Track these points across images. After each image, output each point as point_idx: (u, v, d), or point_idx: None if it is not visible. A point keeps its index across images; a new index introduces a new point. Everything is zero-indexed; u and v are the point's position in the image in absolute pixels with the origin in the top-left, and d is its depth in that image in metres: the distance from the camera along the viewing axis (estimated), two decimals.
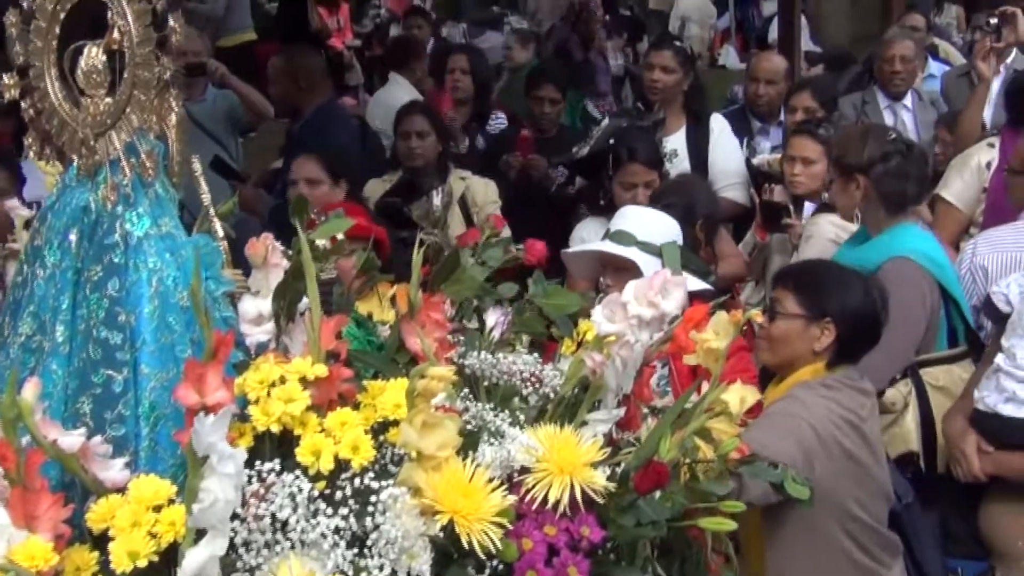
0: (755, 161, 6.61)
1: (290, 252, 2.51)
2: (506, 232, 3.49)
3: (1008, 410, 4.06)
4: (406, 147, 6.59)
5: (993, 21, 6.69)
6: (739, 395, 2.72)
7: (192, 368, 2.24)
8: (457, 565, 2.28)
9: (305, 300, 2.46)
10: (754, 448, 2.74)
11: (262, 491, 2.16)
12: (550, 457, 2.42)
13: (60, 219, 2.50)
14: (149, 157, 2.44)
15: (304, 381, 2.30)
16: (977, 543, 4.26)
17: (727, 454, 2.61)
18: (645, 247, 4.35)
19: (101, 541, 2.19)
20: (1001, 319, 4.22)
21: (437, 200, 6.34)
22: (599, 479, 2.42)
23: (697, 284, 4.33)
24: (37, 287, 2.50)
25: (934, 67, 8.87)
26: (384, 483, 2.21)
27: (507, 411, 2.57)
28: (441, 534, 2.25)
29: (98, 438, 2.32)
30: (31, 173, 5.11)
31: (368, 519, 2.18)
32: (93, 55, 2.46)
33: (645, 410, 2.89)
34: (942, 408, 4.41)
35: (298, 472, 2.20)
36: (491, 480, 2.33)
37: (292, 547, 2.15)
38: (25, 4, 2.54)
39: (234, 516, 2.12)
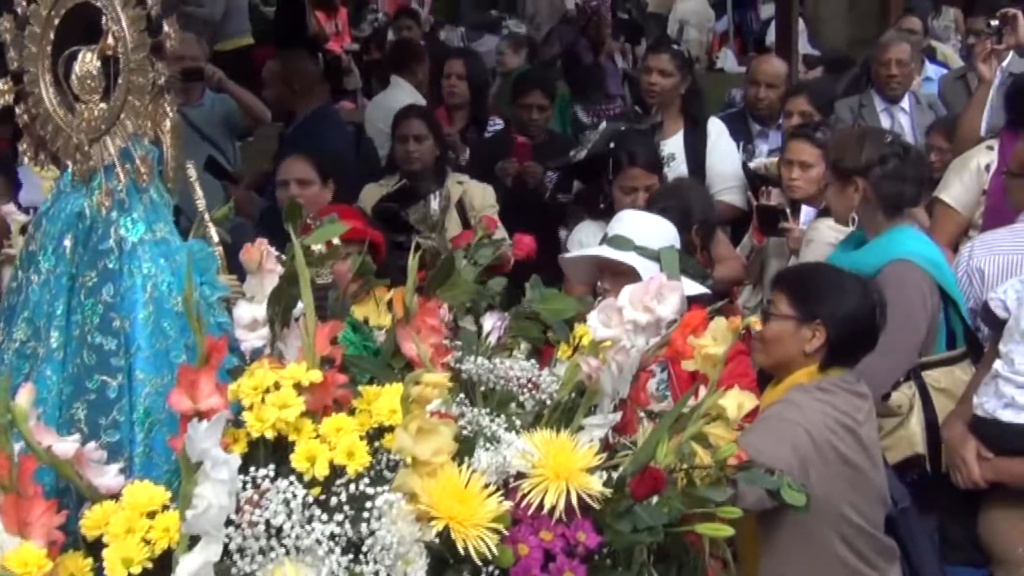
0: (752, 165, 6.61)
1: (284, 257, 2.51)
2: (500, 233, 3.48)
3: (1007, 416, 4.06)
4: (404, 151, 6.59)
5: (994, 23, 6.68)
6: (736, 400, 2.71)
7: (185, 374, 2.23)
8: (453, 571, 2.28)
9: (300, 305, 2.45)
10: (750, 454, 2.74)
11: (256, 497, 2.16)
12: (546, 462, 2.42)
13: (55, 225, 2.50)
14: (144, 162, 2.44)
15: (299, 387, 2.29)
16: (976, 549, 4.25)
17: (724, 460, 2.60)
18: (643, 252, 4.35)
19: (95, 547, 2.18)
20: (999, 325, 4.21)
21: (435, 204, 6.33)
22: (595, 484, 2.42)
23: (695, 288, 4.33)
24: (32, 293, 2.50)
25: (931, 70, 8.87)
26: (379, 489, 2.21)
27: (503, 416, 2.56)
28: (437, 540, 2.25)
29: (92, 444, 2.32)
30: (27, 178, 5.11)
31: (363, 525, 2.18)
32: (87, 61, 2.45)
33: (642, 414, 2.89)
34: (945, 410, 4.41)
35: (293, 478, 2.19)
36: (487, 486, 2.33)
37: (287, 553, 2.14)
38: (19, 10, 2.54)
39: (228, 522, 2.12)
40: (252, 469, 2.19)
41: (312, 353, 2.38)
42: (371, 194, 6.50)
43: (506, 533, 2.30)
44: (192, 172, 2.70)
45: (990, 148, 5.96)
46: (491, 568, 2.28)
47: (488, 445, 2.46)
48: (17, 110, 2.57)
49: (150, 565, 2.14)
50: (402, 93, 8.55)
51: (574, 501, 2.38)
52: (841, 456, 3.61)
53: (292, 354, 2.44)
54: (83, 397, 2.40)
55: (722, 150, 6.69)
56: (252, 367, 2.36)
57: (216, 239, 2.67)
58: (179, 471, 2.22)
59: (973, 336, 4.64)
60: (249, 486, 2.17)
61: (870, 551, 3.69)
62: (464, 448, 2.39)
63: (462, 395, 2.61)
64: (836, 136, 5.15)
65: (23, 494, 2.18)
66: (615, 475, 2.51)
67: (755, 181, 6.37)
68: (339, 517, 2.17)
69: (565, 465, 2.41)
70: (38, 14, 2.52)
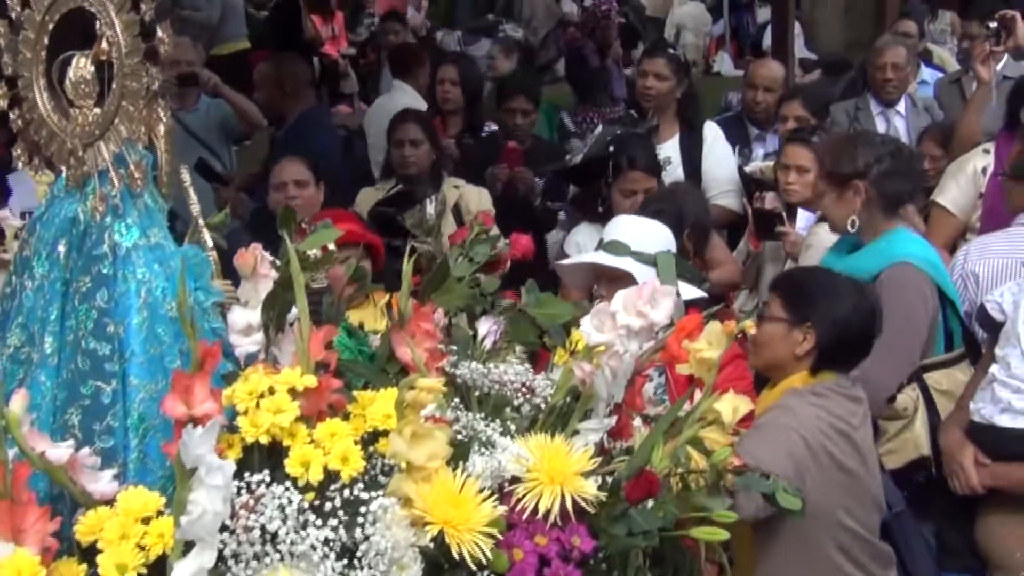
0: (748, 169, 6.61)
1: (278, 262, 2.50)
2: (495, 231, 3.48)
3: (1004, 421, 4.05)
4: (400, 155, 6.59)
5: (992, 25, 6.69)
6: (732, 404, 2.71)
7: (180, 379, 2.23)
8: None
9: (294, 310, 2.45)
10: (746, 462, 2.74)
11: (251, 503, 2.16)
12: (541, 467, 2.41)
13: (49, 230, 2.49)
14: (138, 168, 2.44)
15: (293, 392, 2.29)
16: (973, 555, 4.24)
17: (719, 463, 2.60)
18: (639, 257, 4.35)
19: (89, 554, 2.18)
20: (995, 328, 4.21)
21: (431, 209, 6.33)
22: (590, 488, 2.42)
23: (692, 292, 4.33)
24: (25, 298, 2.50)
25: (927, 73, 8.88)
26: (374, 494, 2.20)
27: (498, 421, 2.56)
28: (431, 545, 2.25)
29: (86, 450, 2.31)
30: (20, 184, 5.09)
31: (358, 530, 2.17)
32: (82, 66, 2.45)
33: (637, 419, 2.89)
34: (948, 412, 4.41)
35: (287, 483, 2.19)
36: (482, 490, 2.32)
37: (281, 559, 2.14)
38: (13, 15, 2.54)
39: (223, 528, 2.11)
40: (247, 474, 2.19)
41: (307, 358, 2.37)
42: (367, 198, 6.51)
43: (501, 538, 2.30)
44: (186, 177, 2.70)
45: (986, 152, 5.96)
46: (486, 573, 2.27)
47: (483, 450, 2.45)
48: (11, 115, 2.57)
49: (144, 571, 2.13)
50: (404, 97, 8.55)
51: (569, 505, 2.37)
52: (836, 461, 3.61)
53: (287, 359, 2.44)
54: (77, 403, 2.40)
55: (718, 154, 6.70)
56: (246, 372, 2.35)
57: (210, 244, 2.67)
58: (173, 477, 2.21)
59: (971, 337, 4.63)
60: (244, 491, 2.17)
61: (866, 557, 3.69)
62: (459, 453, 2.39)
63: (457, 400, 2.61)
64: (827, 145, 5.11)
65: (17, 500, 2.17)
66: (610, 479, 2.51)
67: (751, 185, 6.38)
68: (334, 522, 2.17)
69: (560, 469, 2.40)
70: (32, 19, 2.52)
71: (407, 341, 2.56)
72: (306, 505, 2.18)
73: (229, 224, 2.99)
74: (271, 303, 2.45)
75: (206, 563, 2.08)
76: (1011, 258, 4.79)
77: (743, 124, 7.48)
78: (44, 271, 2.48)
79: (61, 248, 2.47)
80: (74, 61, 2.46)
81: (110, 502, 2.23)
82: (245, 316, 2.49)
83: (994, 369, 4.09)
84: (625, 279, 4.05)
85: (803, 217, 5.78)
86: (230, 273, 2.62)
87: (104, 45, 2.41)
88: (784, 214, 5.82)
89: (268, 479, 2.19)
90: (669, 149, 6.56)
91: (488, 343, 2.93)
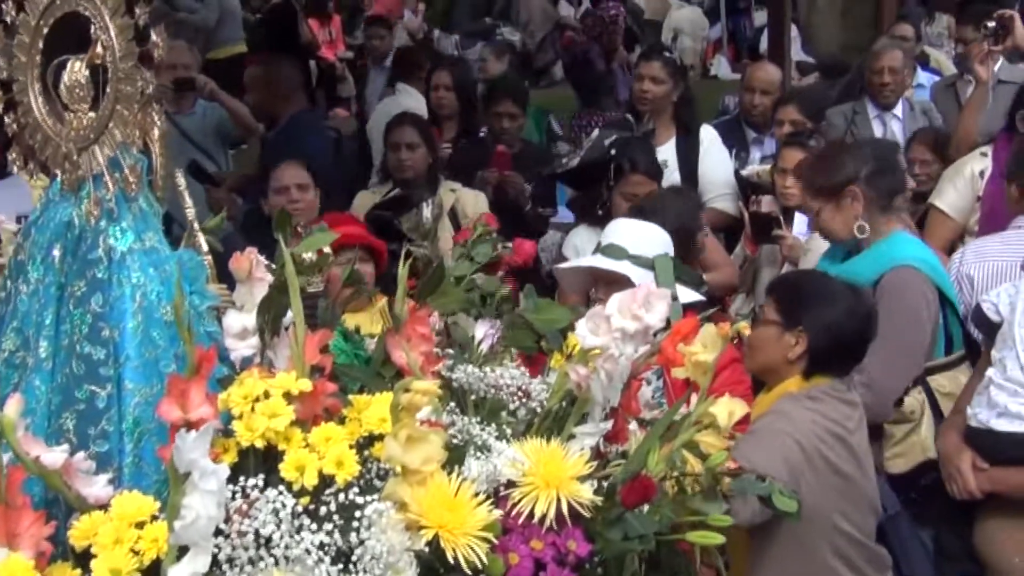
0: (744, 172, 6.61)
1: (273, 265, 2.50)
2: None
3: (1001, 425, 4.04)
4: (396, 159, 6.58)
5: (991, 24, 6.70)
6: (727, 408, 2.71)
7: (175, 384, 2.23)
8: None
9: (290, 314, 2.45)
10: (741, 466, 2.73)
11: (245, 507, 2.15)
12: (536, 471, 2.41)
13: (43, 234, 2.49)
14: (132, 171, 2.44)
15: (288, 396, 2.28)
16: (972, 560, 4.23)
17: (715, 467, 2.60)
18: (637, 260, 4.35)
19: (84, 558, 2.17)
20: (990, 329, 4.20)
21: (427, 212, 6.32)
22: (586, 493, 2.41)
23: (690, 296, 4.33)
24: (20, 302, 2.49)
25: (923, 77, 8.88)
26: (369, 498, 2.20)
27: (494, 425, 2.56)
28: (427, 549, 2.24)
29: (81, 454, 2.31)
30: (17, 187, 5.08)
31: (353, 534, 2.17)
32: (76, 70, 2.45)
33: (633, 423, 2.88)
34: None
35: (282, 488, 2.18)
36: (477, 494, 2.32)
37: (276, 563, 2.13)
38: (8, 19, 2.54)
39: (217, 532, 2.11)
40: (242, 479, 2.19)
41: (302, 362, 2.37)
42: (364, 202, 6.50)
43: (496, 542, 2.30)
44: (181, 181, 2.70)
45: (984, 155, 5.97)
46: None
47: (478, 454, 2.45)
48: (6, 119, 2.57)
49: None
50: (408, 99, 8.56)
51: (564, 510, 2.37)
52: (831, 465, 3.61)
53: (282, 363, 2.44)
54: (72, 407, 2.40)
55: (714, 157, 6.70)
56: (242, 376, 2.35)
57: (206, 248, 2.66)
58: (169, 481, 2.21)
59: (972, 339, 4.63)
60: (238, 496, 2.17)
61: (862, 560, 3.69)
62: (454, 456, 2.39)
63: (452, 404, 2.61)
64: (809, 163, 5.07)
65: (11, 505, 2.17)
66: (606, 483, 2.51)
67: (748, 189, 6.38)
68: (328, 526, 2.16)
69: (556, 473, 2.40)
70: (27, 23, 2.52)
71: (403, 345, 2.56)
72: (301, 509, 2.17)
73: (225, 228, 2.99)
74: (266, 307, 2.45)
75: (200, 568, 2.08)
76: (1007, 261, 4.79)
77: (740, 127, 7.48)
78: (39, 275, 2.47)
79: (56, 252, 2.46)
80: (69, 65, 2.46)
81: (105, 506, 2.23)
82: (240, 320, 2.48)
83: (990, 372, 4.08)
84: (623, 282, 4.05)
85: (800, 221, 5.78)
86: (225, 277, 2.62)
87: (99, 49, 2.41)
88: (781, 218, 5.82)
89: (263, 483, 2.18)
90: (665, 152, 6.56)
91: (485, 347, 2.93)
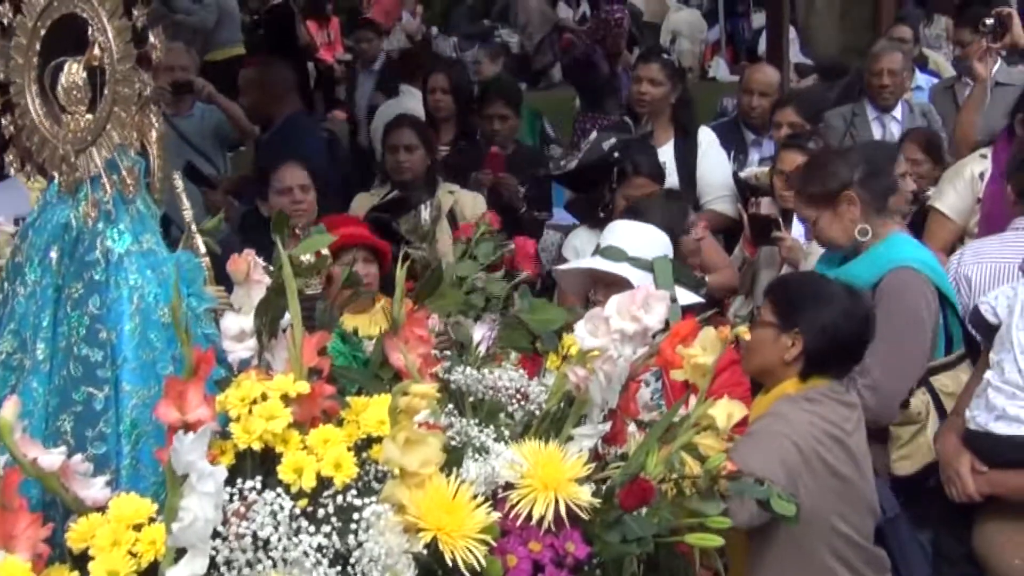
0: (742, 174, 6.61)
1: (271, 267, 2.50)
2: None
3: (999, 428, 4.04)
4: (394, 161, 6.57)
5: (989, 21, 6.70)
6: (726, 410, 2.71)
7: (172, 385, 2.22)
8: None
9: (288, 316, 2.44)
10: (739, 468, 2.73)
11: (243, 509, 2.15)
12: (535, 473, 2.41)
13: (41, 236, 2.49)
14: (130, 173, 2.44)
15: (286, 398, 2.28)
16: (971, 562, 4.23)
17: (714, 470, 2.60)
18: (636, 262, 4.34)
19: (81, 560, 2.17)
20: (988, 331, 4.20)
21: (426, 214, 6.32)
22: (584, 495, 2.41)
23: (689, 298, 4.32)
24: (18, 304, 2.49)
25: (921, 79, 8.88)
26: (367, 500, 2.20)
27: (492, 427, 2.55)
28: (425, 551, 2.24)
29: (79, 456, 2.31)
30: (15, 189, 5.07)
31: (351, 537, 2.17)
32: (74, 72, 2.45)
33: (632, 425, 2.88)
34: None
35: (280, 490, 2.18)
36: (475, 496, 2.32)
37: (274, 565, 2.13)
38: (5, 20, 2.54)
39: (215, 534, 2.11)
40: (239, 481, 2.18)
41: (299, 364, 2.37)
42: (362, 203, 6.49)
43: (494, 544, 2.29)
44: (179, 183, 2.69)
45: (984, 156, 5.97)
46: None
47: (477, 455, 2.45)
48: (3, 121, 2.57)
49: None
50: (412, 101, 8.54)
51: (563, 511, 2.37)
52: (829, 467, 3.61)
53: (280, 365, 2.44)
54: (69, 409, 2.39)
55: (712, 159, 6.69)
56: (239, 378, 2.35)
57: (203, 250, 2.66)
58: (166, 483, 2.21)
59: (971, 337, 4.62)
60: (236, 498, 2.16)
61: (860, 562, 3.69)
62: (452, 459, 2.38)
63: (451, 405, 2.60)
64: (800, 174, 5.05)
65: (8, 507, 2.17)
66: (604, 486, 2.51)
67: (746, 191, 6.37)
68: (326, 529, 2.16)
69: (554, 475, 2.40)
70: (24, 25, 2.52)
71: (400, 347, 2.56)
72: (298, 512, 2.17)
73: (222, 230, 2.98)
74: (264, 309, 2.45)
75: (198, 570, 2.08)
76: (1003, 263, 4.78)
77: (739, 129, 7.47)
78: (36, 277, 2.47)
79: (53, 254, 2.46)
80: (66, 67, 2.46)
81: (102, 509, 2.23)
82: (238, 322, 2.48)
83: (988, 375, 4.08)
84: (622, 284, 4.04)
85: (799, 222, 5.77)
86: (223, 279, 2.62)
87: (96, 51, 2.41)
88: (780, 219, 5.82)
89: (260, 485, 2.18)
90: (664, 154, 6.54)
91: (483, 348, 2.93)
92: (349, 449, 2.27)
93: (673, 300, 3.75)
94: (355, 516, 2.18)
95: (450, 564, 2.23)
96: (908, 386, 4.39)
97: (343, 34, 14.78)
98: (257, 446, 2.24)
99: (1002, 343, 4.08)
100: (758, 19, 16.77)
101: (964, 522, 4.25)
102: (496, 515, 2.32)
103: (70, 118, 2.47)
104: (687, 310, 4.07)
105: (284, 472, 2.22)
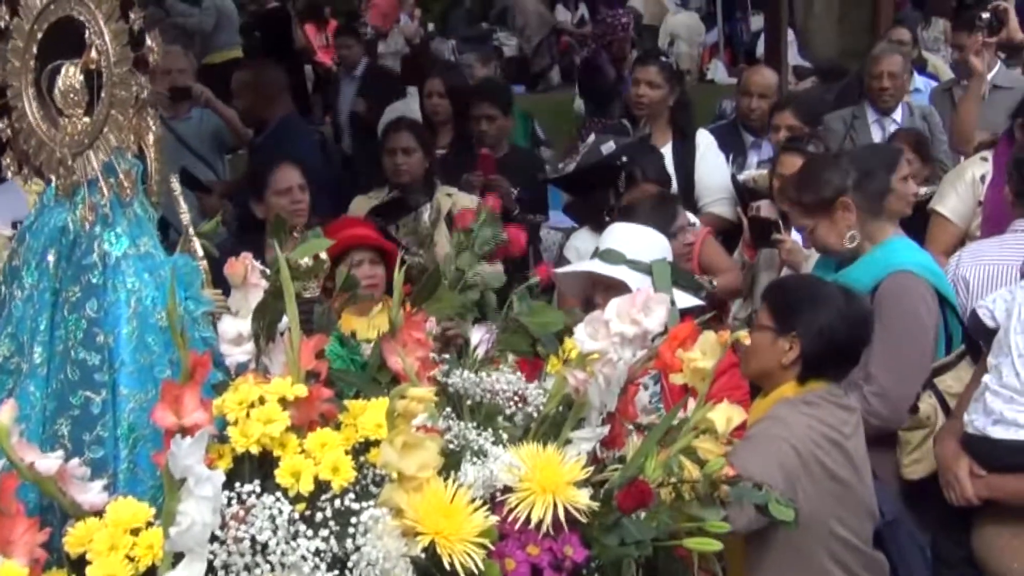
0: (740, 178, 6.59)
1: (268, 271, 2.50)
2: None
3: (997, 432, 4.03)
4: (392, 164, 6.56)
5: (985, 16, 6.71)
6: (725, 414, 2.71)
7: (169, 389, 2.22)
8: None
9: (285, 320, 2.44)
10: (737, 473, 2.73)
11: (241, 513, 2.15)
12: (533, 476, 2.41)
13: (38, 239, 2.48)
14: (127, 177, 2.43)
15: (284, 402, 2.28)
16: (970, 566, 4.22)
17: (712, 474, 2.59)
18: (634, 265, 4.34)
19: (79, 565, 2.17)
20: (987, 335, 4.20)
21: (424, 217, 6.31)
22: (582, 498, 2.41)
23: (689, 301, 4.32)
24: (15, 308, 2.49)
25: (920, 82, 8.87)
26: (365, 504, 2.20)
27: (490, 430, 2.55)
28: (423, 555, 2.24)
29: (76, 460, 2.30)
30: (12, 193, 5.07)
31: (349, 540, 2.17)
32: (71, 75, 2.44)
33: (631, 428, 2.88)
34: None
35: (278, 494, 2.18)
36: (473, 500, 2.31)
37: (272, 570, 2.13)
38: (2, 24, 2.53)
39: (213, 539, 2.11)
40: (237, 485, 2.18)
41: (297, 368, 2.37)
42: (360, 206, 6.49)
43: (493, 548, 2.29)
44: (176, 186, 2.69)
45: (985, 159, 5.97)
46: None
47: (475, 459, 2.44)
48: (0, 124, 2.56)
49: None
50: (416, 103, 8.54)
51: (561, 515, 2.37)
52: (828, 471, 3.60)
53: (277, 368, 2.43)
54: (67, 413, 2.39)
55: (711, 162, 6.69)
56: (237, 382, 2.35)
57: (201, 253, 2.66)
58: (164, 487, 2.20)
59: (970, 336, 4.61)
60: (234, 502, 2.16)
61: (859, 567, 3.68)
62: (450, 462, 2.38)
63: (449, 409, 2.60)
64: (793, 184, 5.04)
65: (6, 512, 2.16)
66: (603, 489, 2.50)
67: (744, 194, 6.37)
68: (324, 533, 2.16)
69: (552, 479, 2.40)
70: (21, 28, 2.52)
71: (398, 350, 2.55)
72: (296, 515, 2.17)
73: (220, 233, 2.98)
74: (261, 312, 2.45)
75: (196, 574, 2.08)
76: (1001, 264, 4.78)
77: (738, 132, 7.47)
78: (33, 281, 2.47)
79: (51, 257, 2.46)
80: (63, 70, 2.45)
81: (100, 513, 2.22)
82: (235, 325, 2.48)
83: (986, 379, 4.07)
84: (621, 287, 4.04)
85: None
86: (221, 282, 2.62)
87: (93, 54, 2.40)
88: (780, 221, 5.81)
89: (259, 489, 2.18)
90: None
91: (481, 351, 2.93)
92: (347, 453, 2.27)
93: (671, 303, 3.75)
94: (353, 520, 2.17)
95: (448, 568, 2.22)
96: (915, 390, 4.39)
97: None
98: (255, 450, 2.24)
99: (1000, 347, 4.08)
100: (756, 22, 16.77)
101: (963, 526, 4.24)
102: (494, 519, 2.32)
103: (67, 121, 2.47)
104: (686, 313, 4.06)
105: (282, 476, 2.21)
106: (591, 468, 2.51)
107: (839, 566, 3.64)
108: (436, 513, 2.24)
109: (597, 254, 4.51)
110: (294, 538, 2.15)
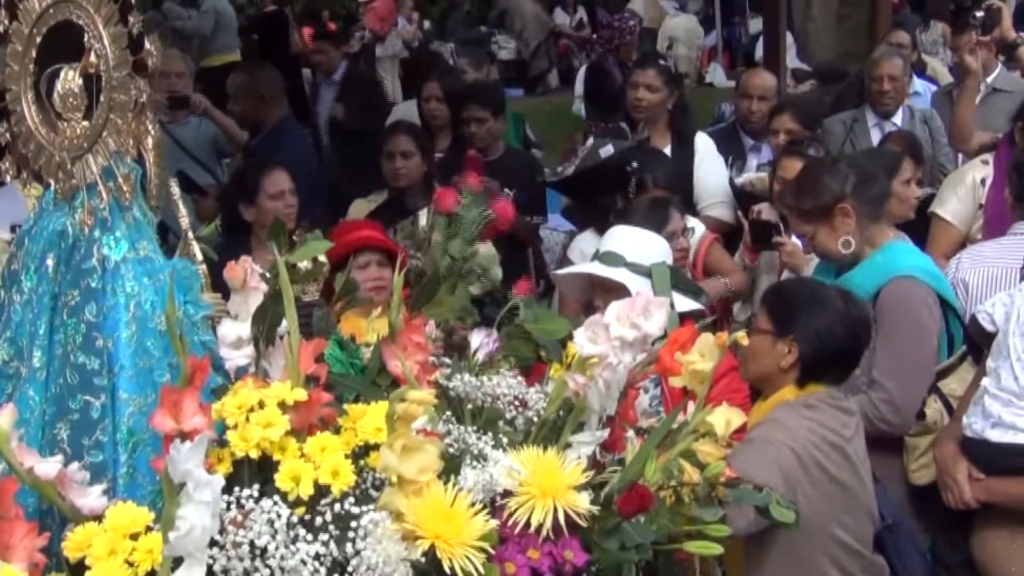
0: (739, 181, 6.59)
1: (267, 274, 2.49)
2: None
3: (996, 435, 4.02)
4: (391, 167, 6.56)
5: (979, 15, 6.72)
6: (724, 417, 2.70)
7: (169, 394, 2.22)
8: None
9: (285, 323, 2.44)
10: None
11: (240, 518, 2.14)
12: (533, 480, 2.40)
13: (37, 243, 2.48)
14: (126, 180, 2.43)
15: (283, 406, 2.28)
16: (969, 569, 4.22)
17: (712, 477, 2.59)
18: (634, 268, 4.34)
19: (78, 570, 2.16)
20: (986, 340, 4.19)
21: (423, 221, 6.30)
22: (582, 502, 2.40)
23: (688, 305, 4.32)
24: (14, 312, 2.49)
25: (919, 85, 8.87)
26: (365, 508, 2.19)
27: (490, 434, 2.54)
28: (423, 559, 2.23)
29: (75, 465, 2.30)
30: (12, 196, 5.06)
31: (349, 545, 2.16)
32: (70, 78, 2.44)
33: (630, 432, 2.87)
34: None
35: (277, 498, 2.17)
36: (473, 504, 2.31)
37: (272, 574, 2.12)
38: (1, 28, 2.53)
39: (212, 543, 2.10)
40: (236, 489, 2.18)
41: (296, 372, 2.36)
42: (359, 210, 6.48)
43: (493, 552, 2.29)
44: (175, 190, 2.69)
45: (985, 162, 5.97)
46: None
47: (475, 463, 2.44)
48: None
49: None
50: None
51: (561, 519, 2.36)
52: (828, 474, 3.60)
53: (277, 372, 2.43)
54: (66, 417, 2.39)
55: (710, 165, 6.68)
56: (236, 386, 2.34)
57: (200, 257, 2.65)
58: (163, 492, 2.20)
59: (970, 337, 4.61)
60: (233, 506, 2.16)
61: (858, 570, 3.68)
62: (450, 466, 2.38)
63: (449, 412, 2.59)
64: (790, 191, 5.03)
65: (4, 516, 2.16)
66: (603, 493, 2.50)
67: (742, 197, 6.36)
68: (324, 537, 2.16)
69: (552, 483, 2.39)
70: (20, 32, 2.52)
71: (398, 354, 2.55)
72: (296, 520, 2.16)
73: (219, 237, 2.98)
74: (261, 316, 2.44)
75: None
76: (1001, 267, 4.78)
77: (737, 135, 7.46)
78: (32, 285, 2.46)
79: (50, 262, 2.46)
80: (62, 74, 2.46)
81: (99, 517, 2.22)
82: (235, 329, 2.47)
83: (985, 382, 4.07)
84: (621, 290, 4.04)
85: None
86: (220, 286, 2.61)
87: (92, 58, 2.40)
88: (780, 224, 5.81)
89: (258, 494, 2.17)
90: None
91: (481, 355, 2.92)
92: (347, 456, 2.26)
93: (671, 307, 3.75)
94: (353, 524, 2.17)
95: (448, 572, 2.22)
96: (922, 394, 4.38)
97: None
98: (254, 454, 2.24)
99: (999, 350, 4.07)
100: (755, 25, 16.80)
101: (962, 529, 4.24)
102: (494, 522, 2.32)
103: (66, 125, 2.47)
104: (686, 317, 4.06)
105: (281, 480, 2.21)
106: (591, 472, 2.51)
107: (839, 569, 3.64)
108: (436, 517, 2.24)
109: (597, 256, 4.51)
110: (294, 542, 2.14)
